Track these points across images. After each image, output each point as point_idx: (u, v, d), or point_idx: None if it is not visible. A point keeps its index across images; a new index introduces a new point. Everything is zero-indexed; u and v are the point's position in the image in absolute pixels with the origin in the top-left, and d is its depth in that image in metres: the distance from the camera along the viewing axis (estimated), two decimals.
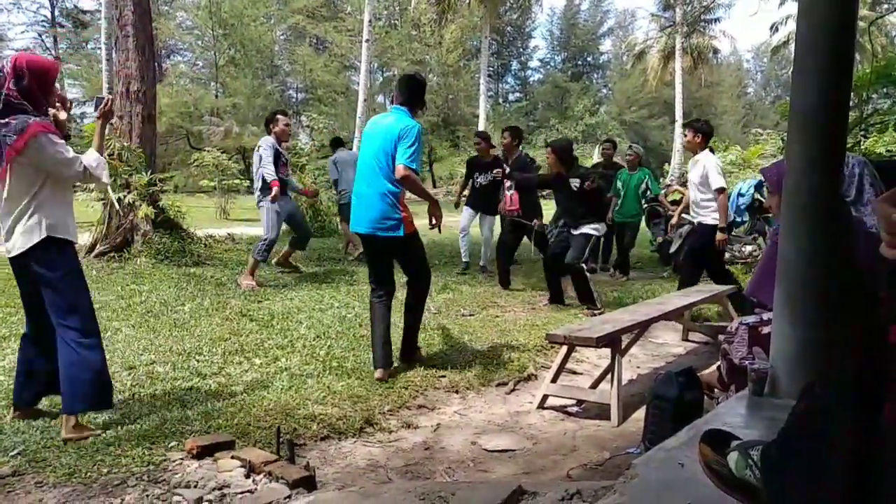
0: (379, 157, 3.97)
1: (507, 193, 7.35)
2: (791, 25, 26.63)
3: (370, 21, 17.31)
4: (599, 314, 5.48)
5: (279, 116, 7.25)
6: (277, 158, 6.97)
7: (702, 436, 1.79)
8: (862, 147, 8.35)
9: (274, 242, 6.92)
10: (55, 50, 37.54)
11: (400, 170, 3.85)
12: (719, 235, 5.78)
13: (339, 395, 3.66)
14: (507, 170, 7.24)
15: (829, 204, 2.38)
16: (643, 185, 8.57)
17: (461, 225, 8.31)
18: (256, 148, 7.02)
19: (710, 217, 5.89)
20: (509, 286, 7.27)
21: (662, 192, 9.91)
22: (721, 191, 5.81)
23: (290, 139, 7.35)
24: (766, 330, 2.91)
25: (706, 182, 5.86)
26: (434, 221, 4.19)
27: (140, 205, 7.24)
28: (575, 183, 6.11)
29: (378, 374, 3.99)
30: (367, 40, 17.10)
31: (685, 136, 6.28)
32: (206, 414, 3.29)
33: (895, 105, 7.93)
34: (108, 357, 4.11)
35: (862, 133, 8.51)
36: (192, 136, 29.93)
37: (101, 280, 6.40)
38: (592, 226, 6.18)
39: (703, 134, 6.06)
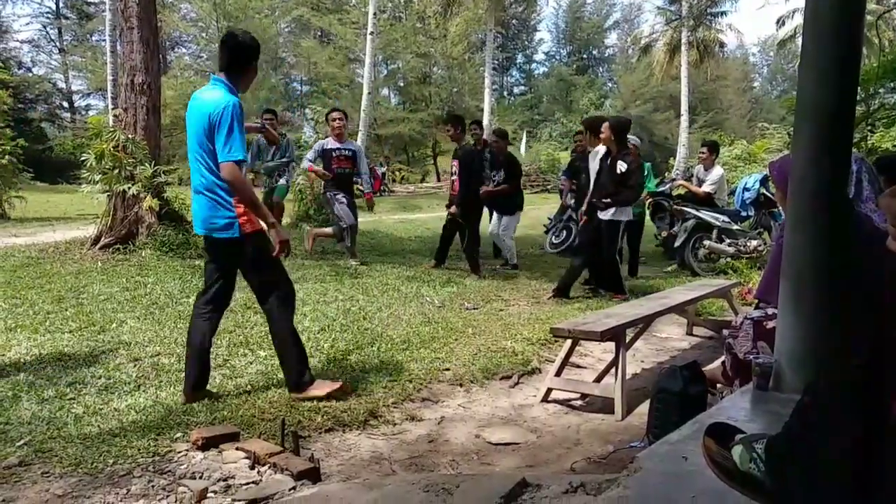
0: (200, 145, 3.30)
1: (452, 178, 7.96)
2: (798, 19, 26.46)
3: (375, 13, 17.28)
4: (625, 300, 5.80)
5: (331, 114, 7.85)
6: (324, 156, 7.59)
7: (706, 429, 1.79)
8: (869, 142, 8.32)
9: (355, 228, 7.71)
10: (59, 42, 37.54)
11: (225, 169, 3.20)
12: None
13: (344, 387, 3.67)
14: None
15: (835, 198, 2.37)
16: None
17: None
18: None
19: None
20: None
21: (667, 186, 9.85)
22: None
23: (343, 135, 7.78)
24: (770, 324, 2.91)
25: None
26: (276, 250, 3.45)
27: (144, 197, 7.25)
28: (621, 167, 6.23)
29: (182, 397, 3.39)
30: (371, 33, 17.08)
31: (580, 132, 7.22)
32: (211, 405, 3.31)
33: None
34: (113, 349, 4.17)
35: (869, 127, 8.48)
36: None
37: (106, 272, 6.42)
38: (617, 209, 6.30)
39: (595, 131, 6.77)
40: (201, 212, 3.38)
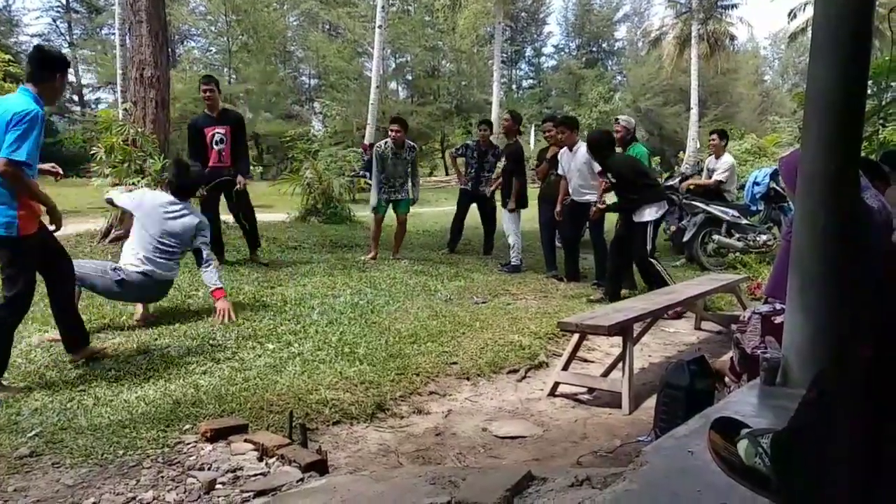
0: None
1: None
2: (809, 12, 26.23)
3: (383, 7, 17.26)
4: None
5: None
6: None
7: (712, 423, 1.79)
8: (880, 136, 8.24)
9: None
10: (69, 36, 37.69)
11: (0, 163, 3.29)
12: (594, 209, 6.60)
13: (352, 380, 3.68)
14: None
15: (845, 191, 2.36)
16: None
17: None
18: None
19: (590, 196, 6.81)
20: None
21: (676, 180, 9.78)
22: (602, 174, 6.62)
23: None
24: (779, 319, 2.90)
25: (591, 166, 6.65)
26: (54, 227, 3.64)
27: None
28: None
29: None
30: (380, 26, 17.06)
31: (562, 132, 7.00)
32: (220, 398, 3.33)
33: None
34: (123, 341, 4.20)
35: (880, 121, 8.40)
36: None
37: None
38: (651, 209, 5.95)
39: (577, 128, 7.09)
40: None
